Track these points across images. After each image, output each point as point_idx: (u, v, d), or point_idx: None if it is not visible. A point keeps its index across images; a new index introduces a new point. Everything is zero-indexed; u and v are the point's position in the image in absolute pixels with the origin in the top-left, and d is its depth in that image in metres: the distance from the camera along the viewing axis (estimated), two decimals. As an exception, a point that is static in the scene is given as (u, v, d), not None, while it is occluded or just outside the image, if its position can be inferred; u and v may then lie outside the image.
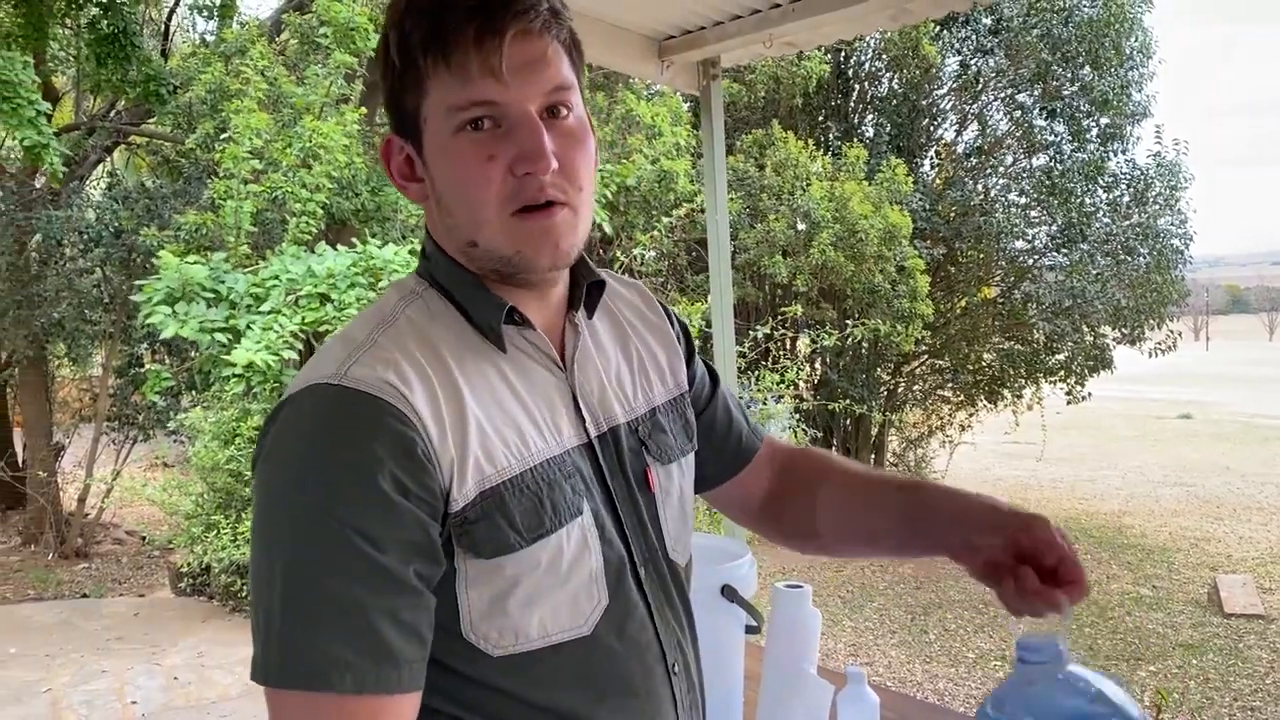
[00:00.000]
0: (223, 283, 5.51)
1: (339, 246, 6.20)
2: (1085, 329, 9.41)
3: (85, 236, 8.04)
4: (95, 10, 7.07)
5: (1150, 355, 9.69)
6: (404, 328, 0.98)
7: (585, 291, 1.09)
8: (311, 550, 0.86)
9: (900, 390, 9.86)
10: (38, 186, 8.36)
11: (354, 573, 0.86)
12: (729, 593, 1.22)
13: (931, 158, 10.41)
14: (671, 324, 1.24)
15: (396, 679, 0.87)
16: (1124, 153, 9.59)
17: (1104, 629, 6.74)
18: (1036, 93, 9.53)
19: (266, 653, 0.87)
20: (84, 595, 7.28)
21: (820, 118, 10.22)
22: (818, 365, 9.03)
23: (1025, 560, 1.00)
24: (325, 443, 0.88)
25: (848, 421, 9.38)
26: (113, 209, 8.04)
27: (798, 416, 5.08)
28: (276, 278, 5.62)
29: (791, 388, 5.40)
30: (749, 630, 1.28)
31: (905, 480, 1.29)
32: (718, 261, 2.83)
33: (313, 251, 6.10)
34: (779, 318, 6.30)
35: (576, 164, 0.98)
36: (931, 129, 10.34)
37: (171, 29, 10.64)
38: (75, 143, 8.38)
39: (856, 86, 10.26)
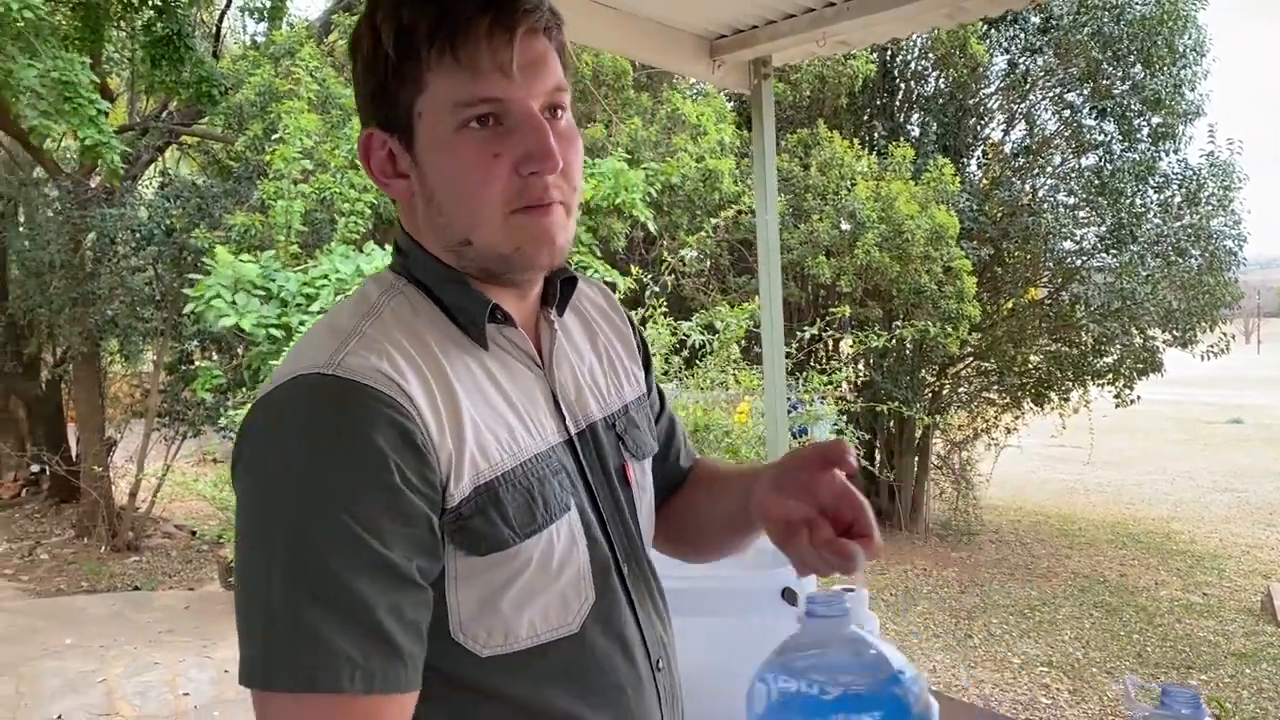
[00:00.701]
0: (273, 281, 5.58)
1: (386, 246, 6.26)
2: (1135, 331, 9.26)
3: (138, 235, 8.18)
4: (150, 13, 7.19)
5: (1202, 358, 9.52)
6: (389, 319, 0.96)
7: (559, 289, 1.08)
8: (314, 547, 0.83)
9: (945, 392, 9.77)
10: (92, 186, 8.52)
11: (359, 569, 0.83)
12: (789, 595, 1.22)
13: (978, 157, 10.29)
14: (633, 331, 1.24)
15: (404, 678, 0.85)
16: (1176, 152, 9.42)
17: (1153, 636, 6.64)
18: (1086, 91, 9.39)
19: (267, 654, 0.83)
20: (135, 588, 7.41)
21: (865, 117, 10.15)
22: (860, 366, 8.97)
23: (825, 515, 0.99)
24: (323, 435, 0.85)
25: (891, 424, 9.31)
26: (165, 208, 8.17)
27: (844, 418, 5.04)
28: (326, 277, 5.68)
29: (835, 389, 5.36)
30: (808, 632, 1.27)
31: (744, 467, 1.28)
32: (767, 262, 2.83)
33: (361, 251, 6.16)
34: (826, 318, 6.27)
35: (573, 163, 0.98)
36: (978, 128, 10.23)
37: (222, 31, 10.79)
38: (129, 143, 8.52)
39: (902, 86, 10.18)
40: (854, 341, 6.35)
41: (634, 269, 5.42)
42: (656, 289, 5.47)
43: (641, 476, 1.13)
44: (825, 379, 5.10)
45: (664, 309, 5.00)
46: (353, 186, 6.58)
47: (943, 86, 9.97)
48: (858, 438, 5.46)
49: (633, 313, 4.95)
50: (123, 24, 8.09)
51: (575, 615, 0.98)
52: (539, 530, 0.95)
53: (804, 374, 5.40)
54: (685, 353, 5.03)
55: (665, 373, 4.78)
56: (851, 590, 1.57)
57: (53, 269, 8.50)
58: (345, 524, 0.83)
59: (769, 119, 2.78)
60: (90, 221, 8.16)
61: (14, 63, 6.07)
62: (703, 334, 4.93)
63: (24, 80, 6.04)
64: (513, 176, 0.93)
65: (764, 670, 0.85)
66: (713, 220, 6.96)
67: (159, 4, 7.09)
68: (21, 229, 9.66)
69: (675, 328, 5.09)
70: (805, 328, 5.73)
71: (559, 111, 0.97)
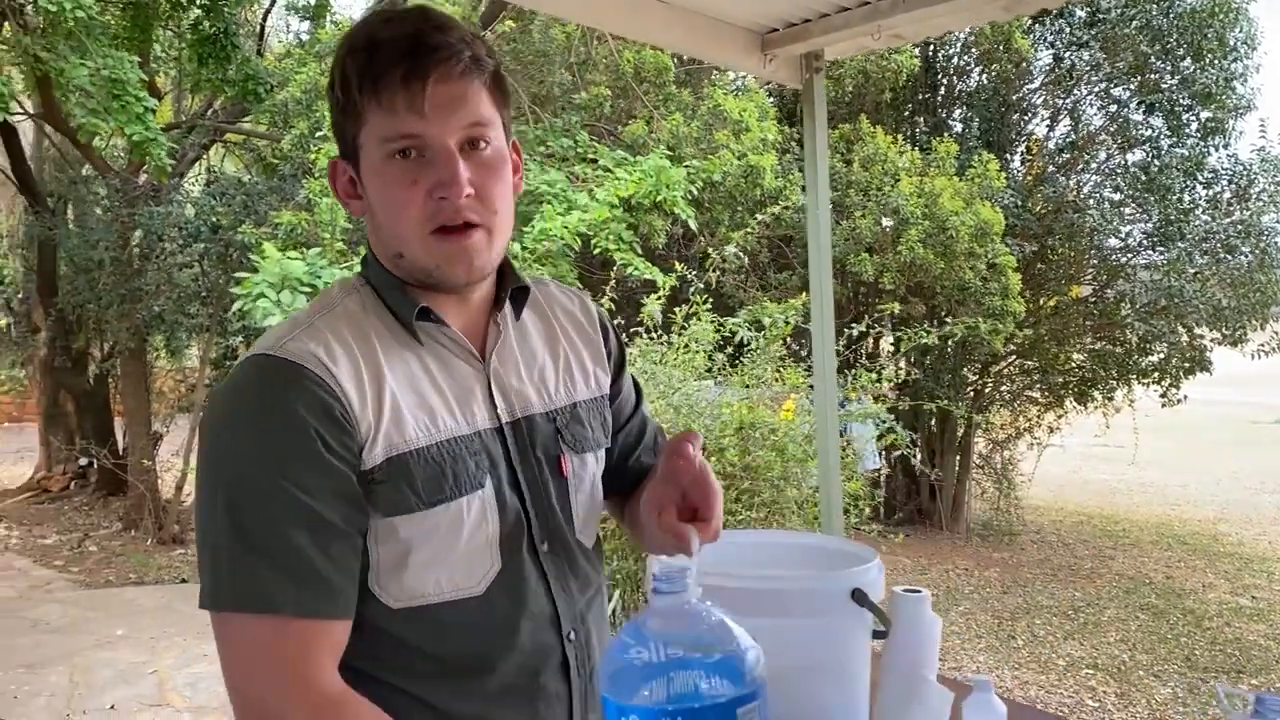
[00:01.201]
0: (319, 278, 5.62)
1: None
2: (1182, 329, 9.11)
3: (184, 232, 8.28)
4: (197, 12, 7.27)
5: (1252, 357, 9.35)
6: (340, 315, 1.14)
7: (510, 296, 1.23)
8: (250, 494, 1.02)
9: (987, 390, 9.67)
10: (140, 183, 8.63)
11: (289, 514, 1.01)
12: (859, 597, 1.21)
13: (1021, 153, 10.17)
14: (607, 340, 1.37)
15: (330, 605, 1.03)
16: (1226, 147, 9.24)
17: (1202, 639, 6.53)
18: (1134, 86, 9.24)
19: (216, 582, 1.02)
20: (182, 580, 7.51)
21: (907, 112, 10.06)
22: (901, 364, 8.89)
23: (685, 503, 1.12)
24: (257, 402, 1.05)
25: (932, 422, 9.22)
26: (211, 205, 8.26)
27: (893, 416, 4.99)
28: (370, 273, 5.71)
29: (876, 387, 5.31)
30: (876, 635, 1.26)
31: None
32: (819, 258, 2.80)
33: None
34: (874, 315, 6.22)
35: (492, 191, 1.13)
36: (1022, 124, 10.11)
37: (267, 29, 10.89)
38: (175, 140, 8.62)
39: (944, 81, 10.07)
40: (901, 339, 6.29)
41: (679, 265, 5.40)
42: (700, 285, 5.44)
43: (580, 468, 1.26)
44: (874, 376, 5.05)
45: (709, 305, 4.97)
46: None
47: (985, 82, 9.86)
48: (909, 438, 5.40)
49: (672, 310, 4.90)
50: (170, 23, 8.19)
51: (480, 580, 1.13)
52: (446, 501, 1.10)
53: (852, 371, 5.35)
54: (729, 350, 5.00)
55: (709, 370, 4.76)
56: (913, 592, 1.55)
57: (101, 266, 8.63)
58: (276, 480, 1.02)
59: (821, 114, 2.75)
60: (138, 219, 8.27)
61: (66, 61, 6.16)
62: (751, 330, 4.90)
63: (75, 79, 6.12)
64: (427, 201, 1.09)
65: (617, 639, 0.96)
66: (758, 217, 6.91)
67: (206, 3, 7.17)
68: (71, 226, 9.81)
69: (720, 324, 5.06)
70: (852, 325, 5.69)
71: (481, 144, 1.12)
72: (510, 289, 1.24)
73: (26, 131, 10.36)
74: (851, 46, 2.73)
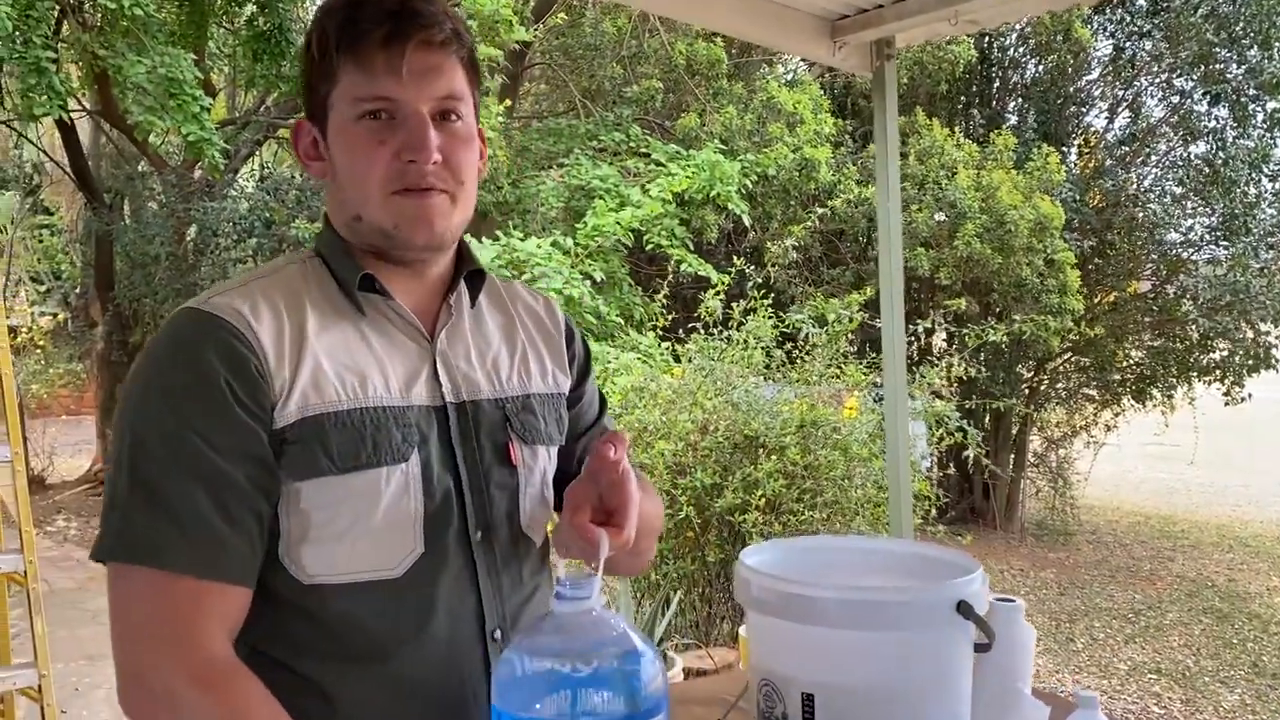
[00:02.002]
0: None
1: (482, 239, 6.27)
2: (1245, 326, 8.88)
3: (238, 227, 8.36)
4: (252, 8, 7.32)
5: (1321, 354, 9.09)
6: (275, 280, 1.12)
7: (466, 278, 1.21)
8: (152, 444, 1.00)
9: (1043, 388, 9.49)
10: (195, 178, 8.73)
11: (188, 466, 0.99)
12: (965, 609, 1.14)
13: (1078, 146, 9.96)
14: (571, 344, 1.34)
15: (224, 565, 0.99)
16: (1294, 139, 9.00)
17: (1269, 645, 6.35)
18: (1197, 76, 9.00)
19: (107, 532, 1.00)
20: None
21: (961, 104, 9.89)
22: (955, 360, 8.75)
23: (602, 505, 1.08)
24: (172, 352, 1.05)
25: (987, 420, 9.07)
26: (264, 201, 8.34)
27: (959, 414, 4.88)
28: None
29: (943, 384, 5.20)
30: (978, 648, 1.19)
31: None
32: (889, 252, 2.73)
33: (456, 243, 6.18)
34: (941, 311, 6.11)
35: (461, 161, 1.12)
36: (1079, 116, 9.90)
37: (317, 26, 10.95)
38: (229, 137, 8.71)
39: (1000, 73, 9.89)
40: (967, 336, 6.17)
41: (737, 261, 5.33)
42: (759, 280, 5.36)
43: (530, 459, 1.21)
44: (941, 373, 4.95)
45: (769, 301, 4.90)
46: (447, 179, 6.61)
47: (1042, 73, 9.67)
48: (977, 438, 5.28)
49: (729, 306, 4.82)
50: (225, 19, 8.26)
51: (399, 562, 1.08)
52: (361, 469, 1.05)
53: (919, 369, 5.25)
54: (788, 346, 4.92)
55: (767, 367, 4.69)
56: (993, 594, 1.48)
57: (157, 261, 8.74)
58: (179, 427, 1.00)
59: (892, 103, 2.68)
60: (193, 214, 8.36)
61: (123, 59, 6.23)
62: (815, 327, 4.82)
63: (132, 76, 6.19)
64: (394, 161, 1.08)
65: (513, 647, 0.92)
66: (819, 209, 6.82)
67: (260, 0, 7.22)
68: (128, 221, 9.95)
69: (780, 320, 4.98)
70: (916, 321, 5.59)
71: (452, 116, 1.12)
72: (466, 271, 1.22)
73: (84, 128, 10.51)
74: (924, 33, 2.65)
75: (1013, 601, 1.52)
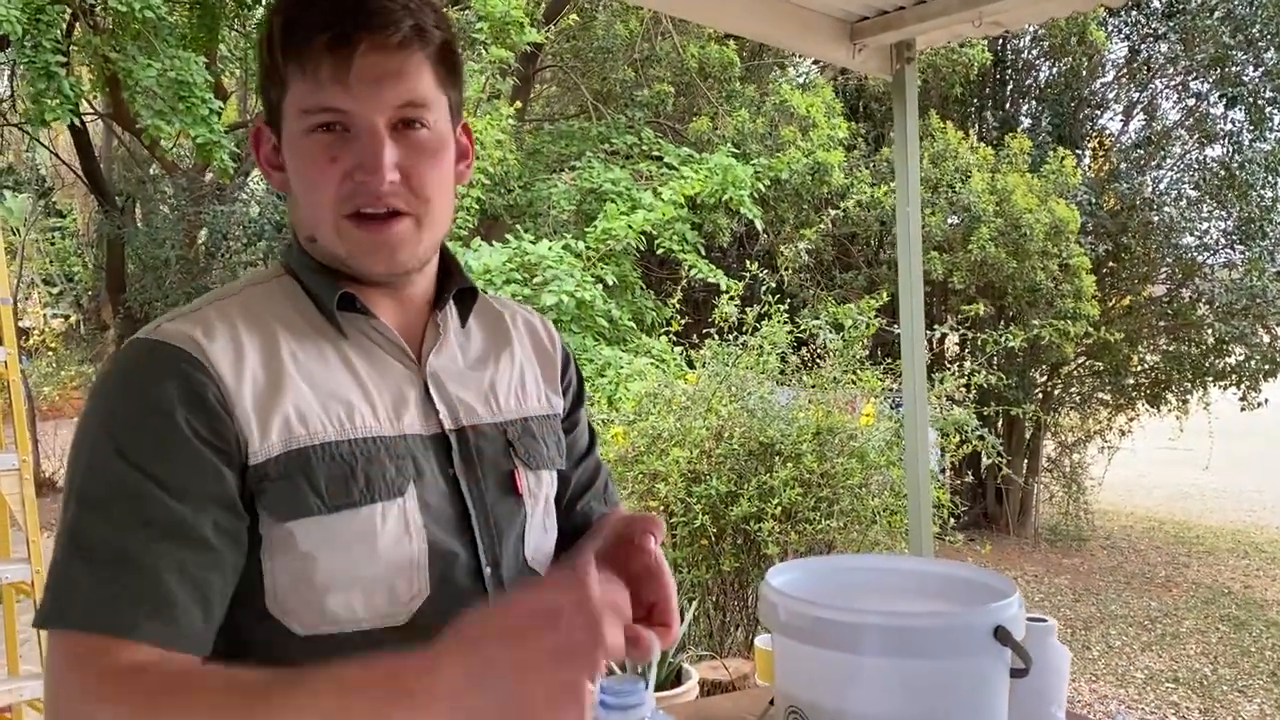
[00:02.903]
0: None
1: (493, 242, 6.25)
2: (1262, 330, 8.81)
3: (249, 230, 8.36)
4: (263, 10, 7.30)
5: (1339, 359, 9.01)
6: (235, 303, 1.01)
7: (454, 297, 1.12)
8: (102, 492, 0.88)
9: (1057, 392, 9.42)
10: (206, 182, 8.73)
11: (144, 518, 0.87)
12: (1003, 635, 1.09)
13: (1093, 149, 9.90)
14: (567, 367, 1.25)
15: (175, 633, 0.86)
16: (1312, 142, 8.91)
17: (1291, 655, 6.28)
18: (1213, 79, 8.93)
19: (48, 596, 0.87)
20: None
21: (974, 107, 9.84)
22: (967, 365, 8.69)
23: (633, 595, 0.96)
24: (122, 386, 0.93)
25: (1000, 424, 9.00)
26: (275, 204, 8.34)
27: (979, 422, 4.82)
28: (434, 272, 5.68)
29: (961, 391, 5.14)
30: (1015, 674, 1.15)
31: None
32: (908, 256, 2.68)
33: (469, 247, 6.16)
34: (959, 317, 6.06)
35: (425, 177, 1.00)
36: (1094, 119, 9.83)
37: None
38: (240, 140, 8.70)
39: (1014, 75, 9.83)
40: (985, 341, 6.12)
41: (751, 265, 5.29)
42: (773, 285, 5.32)
43: (535, 486, 1.12)
44: (960, 379, 4.90)
45: (785, 306, 4.86)
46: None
47: (1056, 76, 9.61)
48: (997, 446, 5.23)
49: (743, 311, 4.77)
50: (236, 22, 8.25)
51: (404, 608, 0.98)
52: (353, 506, 0.95)
53: (940, 374, 5.19)
54: (803, 352, 4.87)
55: (781, 372, 4.65)
56: (1040, 622, 1.44)
57: (168, 264, 8.76)
58: (132, 472, 0.87)
59: (912, 106, 2.63)
60: (204, 218, 8.37)
61: (134, 62, 6.22)
62: (832, 332, 4.77)
63: (142, 80, 6.18)
64: (344, 181, 0.97)
65: None
66: (833, 211, 6.77)
67: (271, 2, 7.20)
68: (139, 225, 9.97)
69: (796, 325, 4.94)
70: (933, 327, 5.53)
71: (416, 125, 1.00)
72: (455, 289, 1.11)
73: (96, 131, 10.53)
74: (946, 35, 2.61)
75: (1044, 622, 1.48)
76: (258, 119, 1.06)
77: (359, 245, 1.00)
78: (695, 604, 3.89)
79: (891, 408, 4.54)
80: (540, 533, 1.13)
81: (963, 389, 4.83)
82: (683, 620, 3.64)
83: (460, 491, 1.04)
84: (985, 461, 6.38)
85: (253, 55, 7.96)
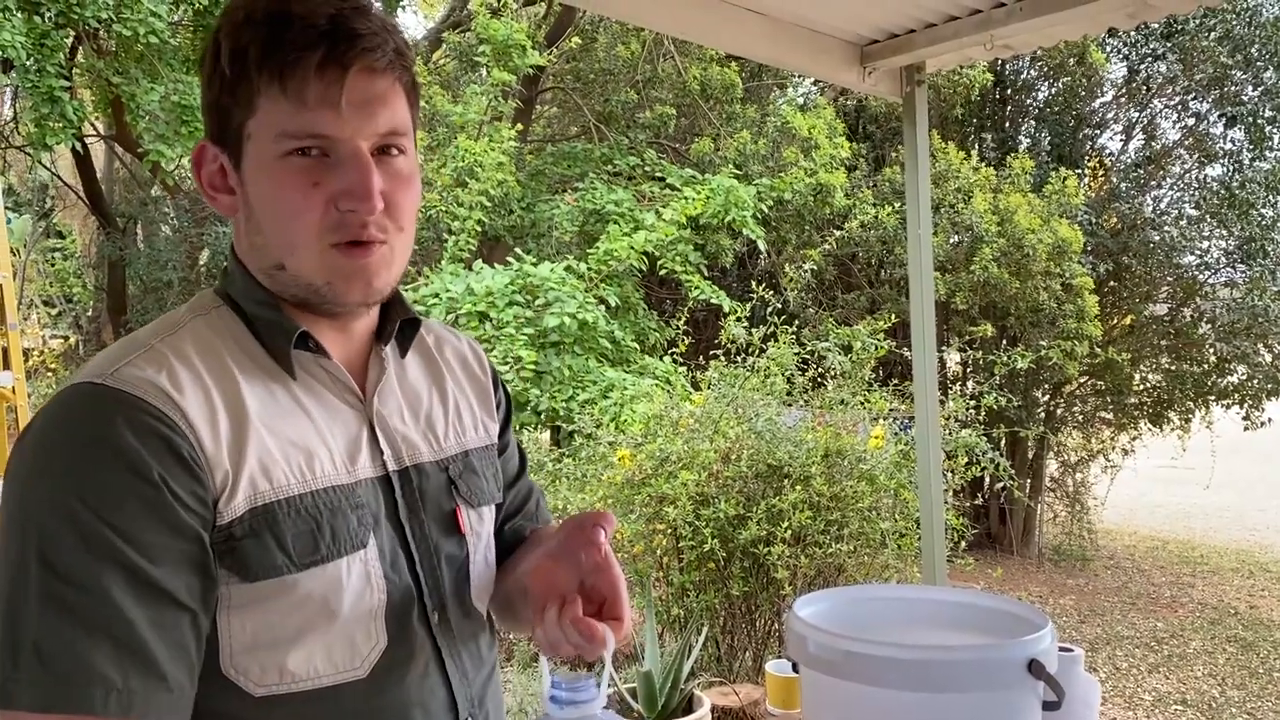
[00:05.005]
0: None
1: (496, 265, 6.24)
2: (1263, 349, 8.81)
3: (250, 252, 8.36)
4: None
5: (1341, 378, 8.99)
6: (186, 337, 0.95)
7: (397, 328, 1.08)
8: (67, 552, 0.80)
9: (1059, 412, 9.40)
10: (207, 203, 8.74)
11: (118, 583, 0.80)
12: (1037, 669, 1.07)
13: (1093, 168, 9.92)
14: (497, 389, 1.22)
15: (166, 703, 0.82)
16: (1311, 162, 8.93)
17: (1295, 676, 6.24)
18: (1212, 98, 8.97)
19: (14, 672, 0.78)
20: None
21: (973, 127, 9.87)
22: (969, 385, 8.68)
23: (584, 592, 0.98)
24: (80, 443, 0.84)
25: (1002, 444, 8.98)
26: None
27: (989, 444, 4.80)
28: (437, 295, 5.67)
29: (971, 414, 5.12)
30: (1047, 706, 1.13)
31: (550, 529, 1.20)
32: (919, 278, 2.67)
33: (470, 270, 6.14)
34: (965, 339, 6.05)
35: (401, 204, 0.97)
36: (1093, 139, 9.86)
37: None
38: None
39: (1013, 95, 9.87)
40: (994, 363, 6.11)
41: (756, 287, 5.28)
42: (777, 306, 5.31)
43: (478, 524, 1.10)
44: (969, 401, 4.88)
45: (792, 328, 4.84)
46: (460, 204, 6.58)
47: (1055, 96, 9.64)
48: (1009, 470, 5.21)
49: (748, 332, 4.76)
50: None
51: (364, 660, 0.95)
52: (321, 563, 0.91)
53: (947, 395, 5.18)
54: (810, 373, 4.85)
55: (788, 394, 4.63)
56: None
57: (170, 286, 8.74)
58: (99, 529, 0.81)
59: (923, 128, 2.63)
60: (206, 239, 8.36)
61: (137, 85, 6.23)
62: (841, 354, 4.76)
63: (145, 104, 6.19)
64: (329, 209, 0.93)
65: None
66: (836, 232, 6.78)
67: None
68: (141, 246, 9.96)
69: (803, 346, 4.92)
70: (942, 348, 5.52)
71: (393, 151, 0.97)
72: (399, 321, 1.07)
73: (98, 153, 10.55)
74: (956, 58, 2.60)
75: (1071, 651, 1.46)
76: (203, 140, 1.00)
77: (340, 273, 0.96)
78: (704, 629, 3.86)
79: (901, 429, 4.53)
80: (482, 568, 1.10)
81: (972, 410, 4.80)
82: (694, 648, 3.61)
83: (405, 534, 1.01)
84: (987, 482, 6.36)
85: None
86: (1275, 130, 8.88)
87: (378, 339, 1.07)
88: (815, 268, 6.88)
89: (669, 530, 4.13)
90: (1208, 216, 9.06)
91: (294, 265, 0.96)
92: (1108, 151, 9.98)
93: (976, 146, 9.59)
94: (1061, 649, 1.37)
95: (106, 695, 0.79)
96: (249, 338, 0.98)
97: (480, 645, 1.09)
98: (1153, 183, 9.45)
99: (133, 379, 0.87)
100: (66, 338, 12.80)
